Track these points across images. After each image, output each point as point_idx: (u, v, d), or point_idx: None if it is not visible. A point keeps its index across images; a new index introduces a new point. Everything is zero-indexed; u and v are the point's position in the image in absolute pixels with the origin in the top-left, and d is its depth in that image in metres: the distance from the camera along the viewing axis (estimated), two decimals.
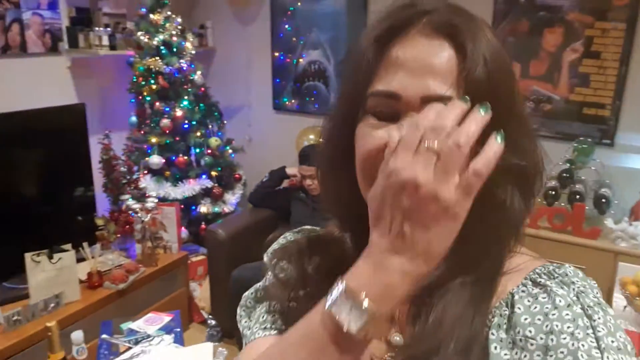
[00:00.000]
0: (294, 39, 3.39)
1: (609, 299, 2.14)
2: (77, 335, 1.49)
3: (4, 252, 2.30)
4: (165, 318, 1.86)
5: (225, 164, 3.24)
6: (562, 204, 2.39)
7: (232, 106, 3.70)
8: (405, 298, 0.54)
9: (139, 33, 2.93)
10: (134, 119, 3.07)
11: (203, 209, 3.10)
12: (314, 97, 3.40)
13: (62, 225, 2.57)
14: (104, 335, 1.64)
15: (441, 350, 0.51)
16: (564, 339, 0.49)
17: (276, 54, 3.49)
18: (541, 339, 0.50)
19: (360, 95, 0.56)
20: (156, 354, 1.44)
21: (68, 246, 2.24)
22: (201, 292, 3.03)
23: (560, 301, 0.51)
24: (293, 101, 3.50)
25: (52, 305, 2.15)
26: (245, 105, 3.72)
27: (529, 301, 0.53)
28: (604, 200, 2.38)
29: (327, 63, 3.31)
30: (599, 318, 0.50)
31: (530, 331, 0.51)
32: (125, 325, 1.78)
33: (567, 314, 0.50)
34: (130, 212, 2.68)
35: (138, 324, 1.79)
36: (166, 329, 1.75)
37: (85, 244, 2.37)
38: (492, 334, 0.54)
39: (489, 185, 0.52)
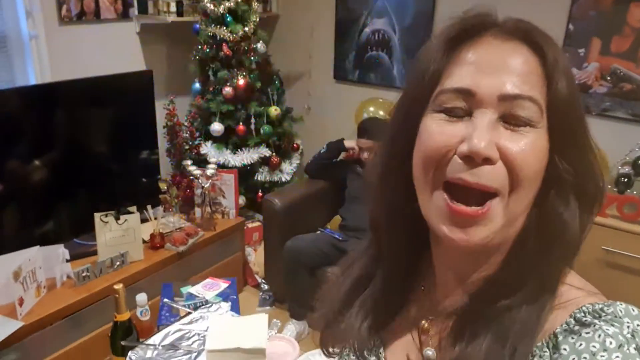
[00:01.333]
0: (360, 5, 3.31)
1: None
2: (142, 297, 1.57)
3: (75, 210, 2.45)
4: (222, 284, 1.93)
5: (284, 133, 3.26)
6: (635, 193, 2.26)
7: (292, 74, 3.70)
8: (452, 312, 0.58)
9: (206, 0, 2.95)
10: (197, 85, 3.13)
11: (260, 177, 3.16)
12: (376, 67, 3.34)
13: (129, 187, 2.70)
14: (165, 300, 1.73)
15: None
16: None
17: (340, 21, 3.43)
18: None
19: (427, 93, 0.55)
20: (215, 321, 1.50)
21: (133, 208, 2.35)
22: (256, 257, 3.12)
23: (610, 343, 0.47)
24: (355, 71, 3.45)
25: (118, 263, 2.28)
26: (306, 73, 3.71)
27: (572, 338, 0.49)
28: None
29: (392, 32, 3.21)
30: None
31: None
32: (185, 289, 1.86)
33: (617, 357, 0.46)
34: (191, 177, 2.77)
35: (197, 289, 1.87)
36: (223, 296, 1.82)
37: (149, 207, 2.48)
38: None
39: (549, 198, 0.53)
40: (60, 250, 2.15)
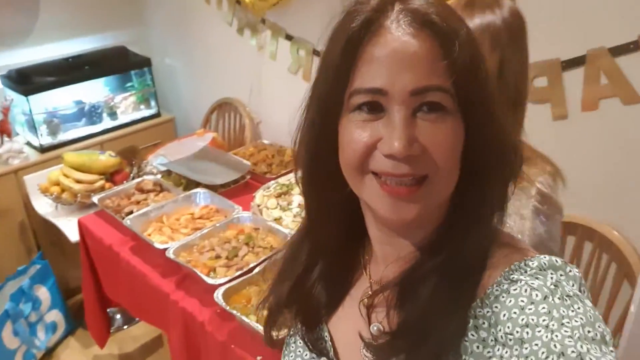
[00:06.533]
0: None
1: None
2: None
3: None
4: None
5: None
6: None
7: None
8: (392, 284, 0.60)
9: None
10: None
11: None
12: None
13: None
14: None
15: (423, 344, 0.55)
16: (539, 331, 0.49)
17: None
18: (517, 332, 0.50)
19: (340, 93, 0.55)
20: None
21: None
22: None
23: (537, 295, 0.51)
24: None
25: None
26: None
27: (503, 297, 0.53)
28: None
29: None
30: (579, 308, 0.50)
31: (508, 327, 0.51)
32: None
33: (544, 307, 0.50)
34: None
35: None
36: None
37: None
38: (472, 335, 0.54)
39: (470, 164, 0.55)
40: None
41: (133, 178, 2.29)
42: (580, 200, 1.48)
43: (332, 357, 0.68)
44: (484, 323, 0.54)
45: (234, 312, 1.30)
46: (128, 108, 2.88)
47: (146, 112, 2.94)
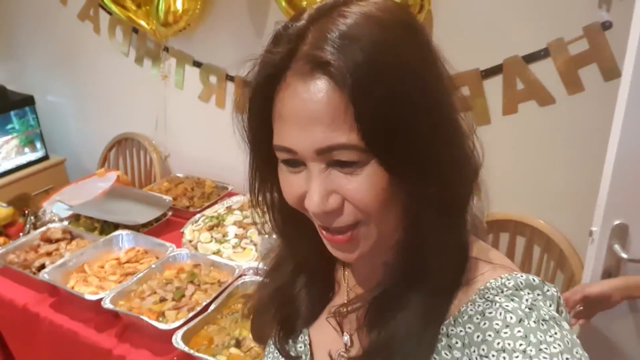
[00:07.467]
0: None
1: None
2: None
3: None
4: None
5: None
6: None
7: None
8: (364, 302, 0.59)
9: None
10: None
11: None
12: None
13: None
14: None
15: None
16: (517, 357, 0.47)
17: None
18: (493, 356, 0.49)
19: (267, 144, 0.54)
20: None
21: None
22: None
23: (511, 318, 0.49)
24: None
25: None
26: None
27: (477, 319, 0.52)
28: None
29: None
30: (556, 333, 0.48)
31: (483, 349, 0.50)
32: None
33: (519, 331, 0.48)
34: None
35: None
36: None
37: None
38: (446, 354, 0.53)
39: (421, 210, 0.52)
40: None
41: (29, 230, 2.03)
42: (507, 198, 1.60)
43: None
44: (457, 342, 0.53)
45: (202, 355, 1.19)
46: (10, 152, 2.58)
47: (32, 156, 2.65)
